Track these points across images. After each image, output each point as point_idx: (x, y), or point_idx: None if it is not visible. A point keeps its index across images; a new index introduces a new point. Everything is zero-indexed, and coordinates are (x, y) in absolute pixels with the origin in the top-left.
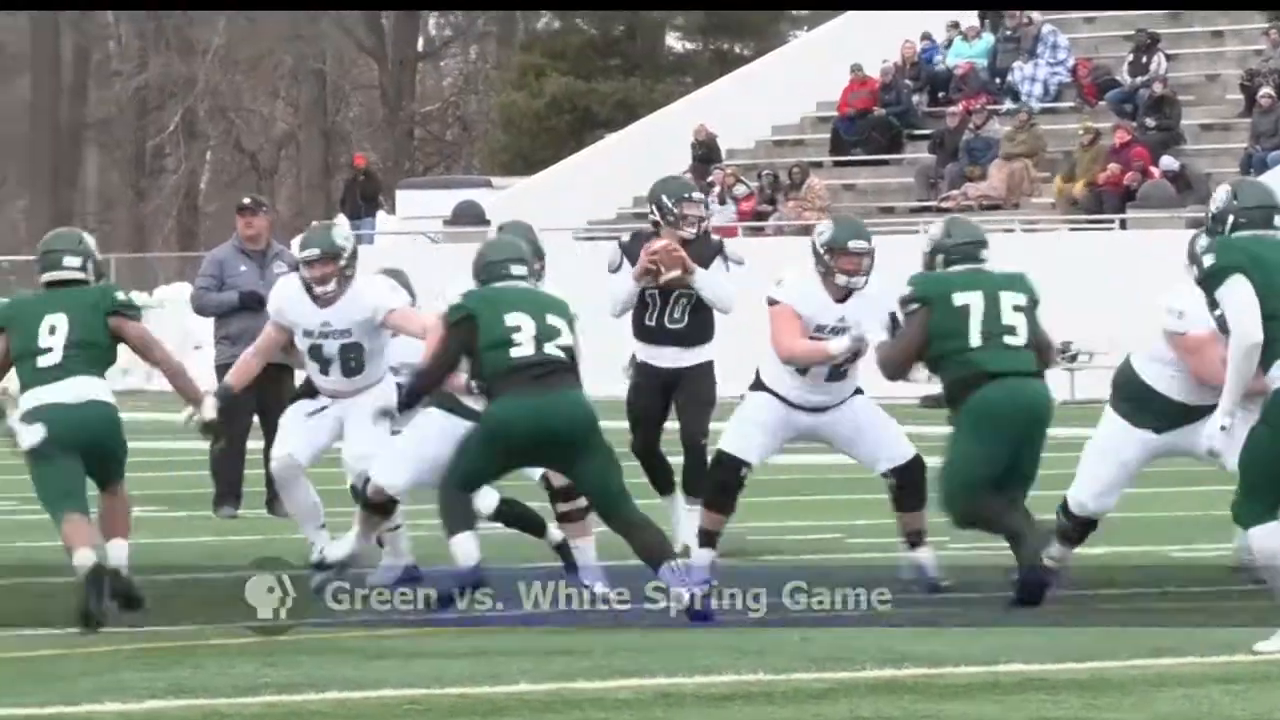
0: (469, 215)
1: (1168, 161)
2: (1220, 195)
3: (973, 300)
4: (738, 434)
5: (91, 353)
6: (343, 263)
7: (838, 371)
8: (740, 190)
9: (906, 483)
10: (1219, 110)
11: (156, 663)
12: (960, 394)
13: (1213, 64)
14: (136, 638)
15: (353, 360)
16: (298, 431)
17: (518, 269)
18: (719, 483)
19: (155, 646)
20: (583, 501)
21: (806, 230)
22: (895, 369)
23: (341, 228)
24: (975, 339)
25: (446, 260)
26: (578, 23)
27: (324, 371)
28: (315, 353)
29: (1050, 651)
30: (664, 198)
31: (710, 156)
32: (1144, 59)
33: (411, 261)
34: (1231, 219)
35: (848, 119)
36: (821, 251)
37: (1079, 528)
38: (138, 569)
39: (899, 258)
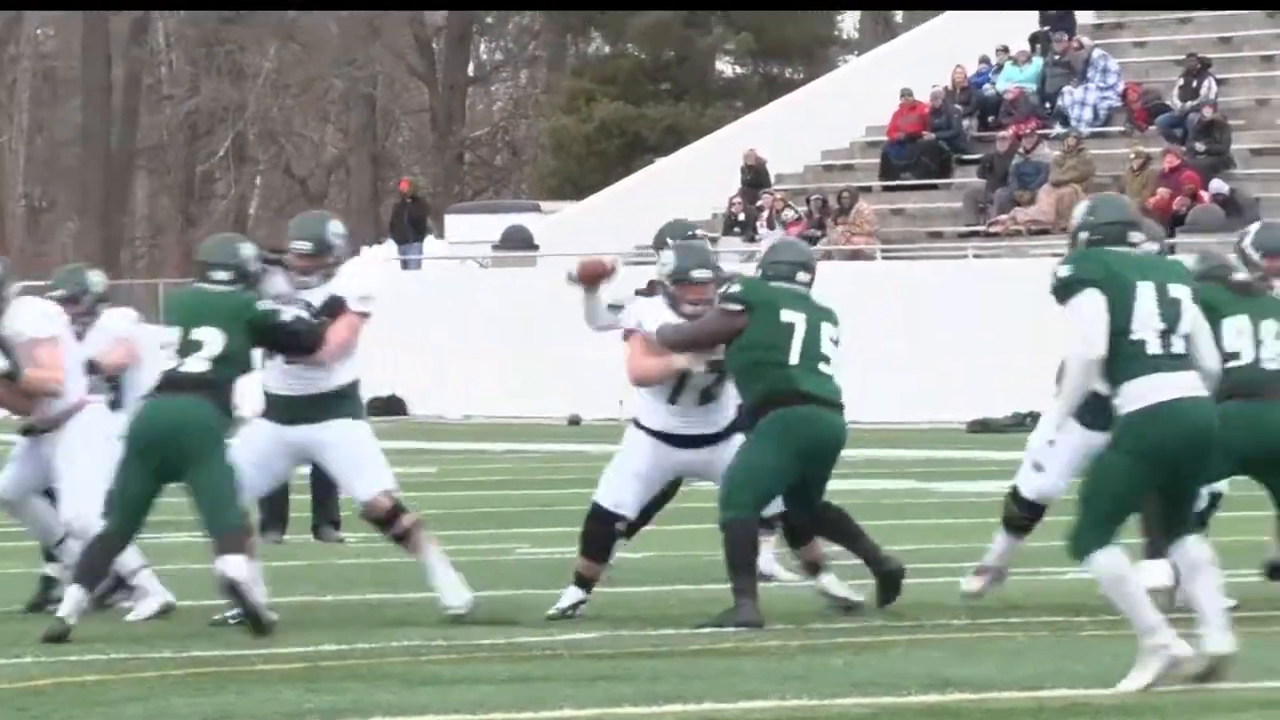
0: (518, 240)
1: (1218, 186)
2: (1078, 211)
3: (796, 320)
4: (613, 484)
5: None
6: None
7: (708, 394)
8: (789, 215)
9: (800, 522)
10: (1269, 135)
11: (203, 688)
12: (767, 406)
13: (1263, 89)
14: (183, 663)
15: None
16: (9, 471)
17: (219, 274)
18: (593, 533)
19: (201, 672)
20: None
21: (856, 255)
22: (680, 345)
23: None
24: (794, 357)
25: (495, 285)
26: (628, 48)
27: None
28: None
29: (1095, 676)
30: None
31: (759, 181)
32: (1194, 83)
33: (460, 286)
34: (1086, 235)
35: (897, 143)
36: (666, 282)
37: (1028, 512)
38: (185, 595)
39: (949, 282)
